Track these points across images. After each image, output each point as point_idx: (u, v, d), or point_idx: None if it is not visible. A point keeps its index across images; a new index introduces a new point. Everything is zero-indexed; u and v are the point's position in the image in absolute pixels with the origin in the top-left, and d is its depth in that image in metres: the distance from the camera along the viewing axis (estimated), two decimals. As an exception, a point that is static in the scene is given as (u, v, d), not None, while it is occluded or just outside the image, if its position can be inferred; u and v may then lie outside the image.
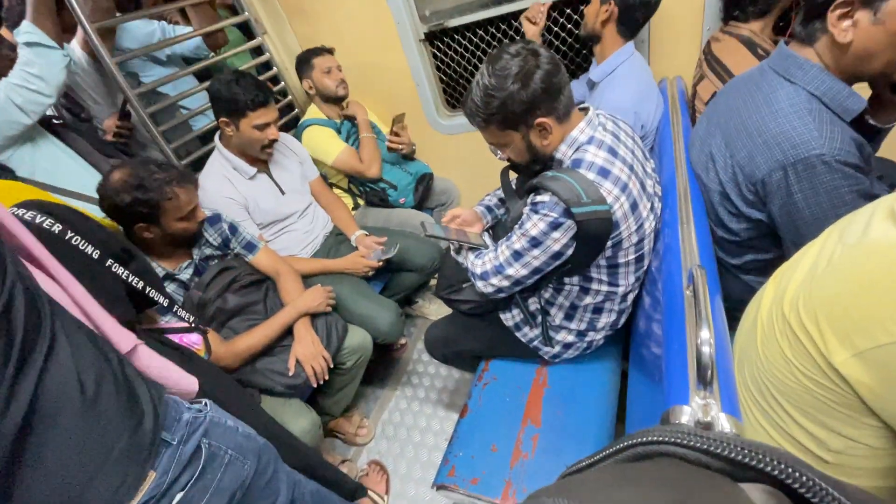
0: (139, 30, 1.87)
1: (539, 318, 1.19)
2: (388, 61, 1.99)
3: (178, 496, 0.66)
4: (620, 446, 0.35)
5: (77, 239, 0.89)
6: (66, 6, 1.37)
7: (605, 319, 1.15)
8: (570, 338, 1.20)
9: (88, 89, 1.71)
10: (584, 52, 1.85)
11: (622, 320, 1.18)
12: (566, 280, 1.09)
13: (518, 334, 1.25)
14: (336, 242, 1.85)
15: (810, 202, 0.84)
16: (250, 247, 1.50)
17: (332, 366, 1.39)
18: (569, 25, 1.77)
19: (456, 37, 1.96)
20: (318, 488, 1.02)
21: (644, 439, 0.33)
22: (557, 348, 1.23)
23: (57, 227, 0.87)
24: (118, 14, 1.62)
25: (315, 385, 1.35)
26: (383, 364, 2.00)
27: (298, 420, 1.31)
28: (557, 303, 1.15)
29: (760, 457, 0.28)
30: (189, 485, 0.67)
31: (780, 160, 0.84)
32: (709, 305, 0.66)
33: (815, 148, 0.81)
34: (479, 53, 1.98)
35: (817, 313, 0.54)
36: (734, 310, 0.89)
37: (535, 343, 1.24)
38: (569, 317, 1.17)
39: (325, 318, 1.47)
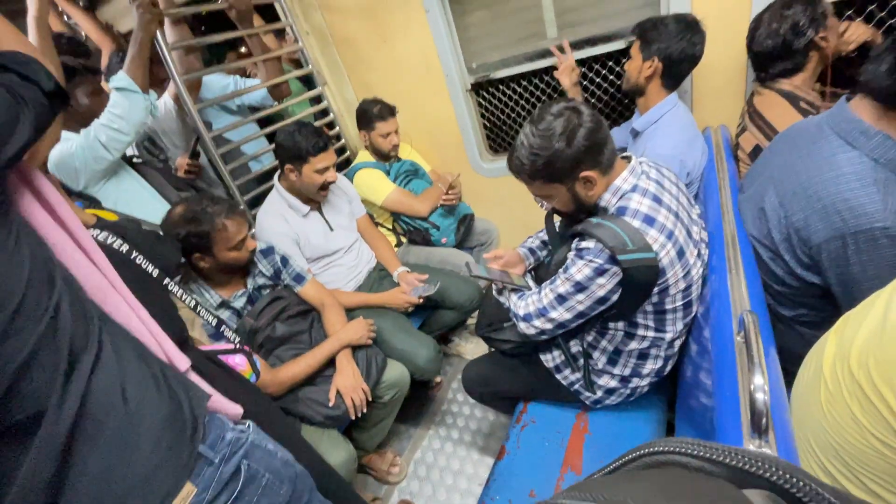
0: (216, 83, 2.11)
1: (581, 361, 1.18)
2: (436, 108, 2.12)
3: None
4: (629, 458, 0.37)
5: (140, 258, 0.98)
6: (159, 61, 1.58)
7: (650, 366, 1.12)
8: (613, 383, 1.17)
9: (172, 134, 1.92)
10: (626, 101, 1.90)
11: (668, 367, 1.14)
12: (610, 324, 1.08)
13: (559, 376, 1.24)
14: (379, 277, 1.92)
15: (869, 274, 0.81)
16: (299, 278, 1.58)
17: (370, 399, 1.41)
18: (610, 77, 1.84)
19: (500, 87, 2.07)
20: None
21: (651, 449, 0.35)
22: (599, 393, 1.20)
23: (124, 248, 0.96)
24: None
25: (354, 417, 1.37)
26: (418, 402, 2.00)
27: (335, 451, 1.32)
28: (601, 346, 1.14)
29: (760, 464, 0.30)
30: None
31: (840, 228, 0.82)
32: (762, 351, 0.65)
33: (878, 220, 0.78)
34: (521, 102, 2.08)
35: (892, 376, 0.52)
36: (788, 363, 0.85)
37: (577, 387, 1.22)
38: (612, 361, 1.15)
39: (365, 351, 1.51)
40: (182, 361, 0.82)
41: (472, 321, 2.29)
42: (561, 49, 1.66)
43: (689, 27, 1.29)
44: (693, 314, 1.06)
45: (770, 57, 1.28)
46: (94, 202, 1.51)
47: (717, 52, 1.48)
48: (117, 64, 1.80)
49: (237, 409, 0.87)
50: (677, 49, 1.31)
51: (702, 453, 0.32)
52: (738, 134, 1.44)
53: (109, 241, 0.94)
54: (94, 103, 1.47)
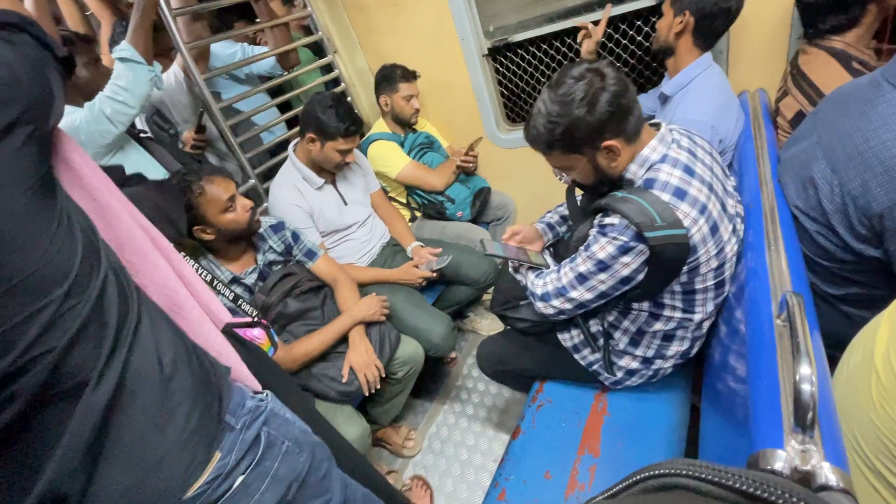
0: (224, 51, 2.04)
1: (601, 342, 1.13)
2: (450, 76, 2.02)
3: (239, 479, 0.68)
4: (633, 480, 0.36)
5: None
6: (164, 30, 1.52)
7: (675, 347, 1.07)
8: (635, 364, 1.12)
9: (181, 107, 1.87)
10: (654, 64, 1.77)
11: (695, 349, 1.09)
12: (634, 304, 1.02)
13: (577, 356, 1.19)
14: (392, 253, 1.88)
15: None
16: (311, 254, 1.55)
17: (384, 375, 1.40)
18: (638, 38, 1.71)
19: (519, 51, 1.95)
20: (368, 493, 1.01)
21: (657, 472, 0.34)
22: (619, 374, 1.15)
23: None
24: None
25: (367, 393, 1.36)
26: (432, 377, 1.99)
27: (350, 427, 1.32)
28: (622, 327, 1.08)
29: (772, 489, 0.28)
30: (249, 469, 0.69)
31: None
32: (808, 337, 0.59)
33: None
34: (541, 67, 1.96)
35: None
36: (828, 346, 0.79)
37: (596, 367, 1.18)
38: (634, 342, 1.09)
39: (378, 328, 1.48)
40: (220, 317, 0.85)
41: (487, 297, 2.25)
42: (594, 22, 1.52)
43: (728, -23, 1.16)
44: (725, 294, 0.99)
45: (822, 9, 1.15)
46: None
47: (758, 6, 1.35)
48: (121, 34, 1.75)
49: (254, 385, 0.88)
50: (711, 2, 1.19)
51: (710, 476, 0.31)
52: (779, 98, 1.32)
53: None
54: (93, 74, 1.43)
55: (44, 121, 0.58)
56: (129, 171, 1.48)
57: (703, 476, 0.31)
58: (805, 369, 0.54)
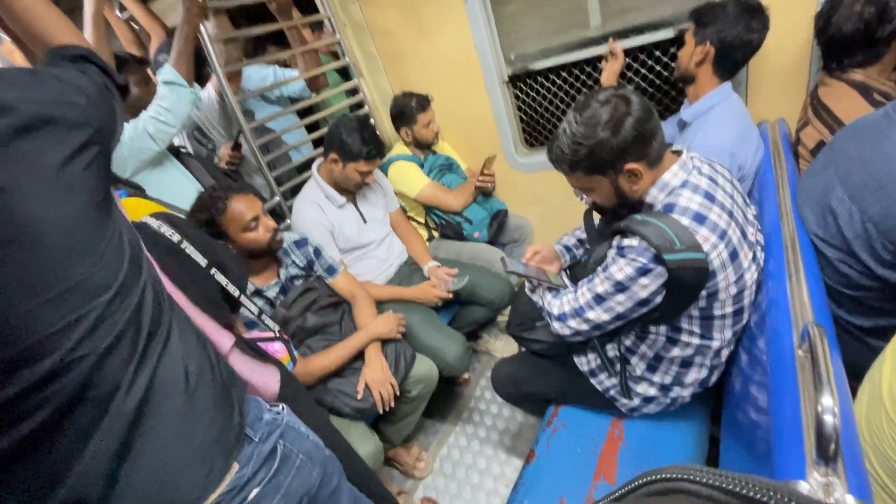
0: (256, 73, 2.14)
1: (618, 366, 1.12)
2: (471, 100, 2.07)
3: (254, 492, 0.68)
4: (636, 484, 0.36)
5: (190, 248, 1.01)
6: (205, 56, 1.62)
7: (694, 375, 1.05)
8: (652, 391, 1.11)
9: (216, 125, 1.96)
10: (673, 93, 1.80)
11: (714, 377, 1.07)
12: (651, 328, 1.02)
13: (593, 381, 1.18)
14: (409, 271, 1.91)
15: None
16: (331, 270, 1.58)
17: (398, 393, 1.40)
18: (657, 67, 1.74)
19: (539, 78, 2.00)
20: None
21: (659, 476, 0.34)
22: (636, 401, 1.14)
23: (176, 237, 0.99)
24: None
25: (381, 411, 1.37)
26: (445, 398, 1.98)
27: (363, 444, 1.32)
28: (640, 351, 1.08)
29: (775, 495, 0.29)
30: (264, 482, 0.70)
31: None
32: (831, 368, 0.58)
33: None
34: (560, 94, 2.00)
35: None
36: (853, 378, 0.77)
37: (612, 393, 1.17)
38: (652, 368, 1.08)
39: (394, 345, 1.50)
40: (226, 341, 0.86)
41: (502, 318, 2.25)
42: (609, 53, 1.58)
43: (750, 11, 1.19)
44: (744, 322, 0.98)
45: (847, 45, 1.16)
46: (138, 189, 1.56)
47: (778, 39, 1.36)
48: (163, 58, 1.86)
49: (273, 391, 0.89)
50: (733, 33, 1.22)
51: (712, 481, 0.31)
52: (800, 129, 1.33)
53: (162, 229, 0.97)
54: (142, 92, 1.52)
55: (109, 142, 0.64)
56: (166, 184, 1.57)
57: (706, 481, 0.31)
58: (827, 400, 0.54)
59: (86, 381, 0.56)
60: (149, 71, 1.72)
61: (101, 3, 1.27)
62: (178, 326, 0.70)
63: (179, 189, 1.59)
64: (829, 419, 0.53)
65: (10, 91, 0.53)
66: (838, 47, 1.18)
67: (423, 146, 2.03)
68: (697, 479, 0.31)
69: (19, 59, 1.76)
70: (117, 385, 0.58)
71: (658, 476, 0.34)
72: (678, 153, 0.97)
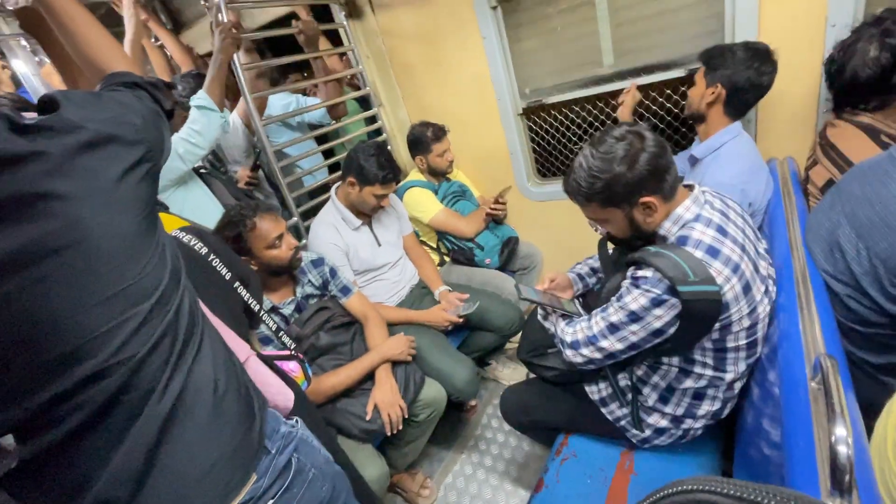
0: (280, 101, 2.24)
1: (629, 396, 1.12)
2: (486, 131, 2.14)
3: (269, 503, 0.70)
4: (654, 498, 0.37)
5: (216, 262, 1.05)
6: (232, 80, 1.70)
7: (706, 407, 1.05)
8: (664, 423, 1.11)
9: (234, 149, 2.04)
10: (683, 129, 1.85)
11: (727, 410, 1.07)
12: (664, 359, 1.03)
13: (604, 410, 1.18)
14: (420, 295, 1.93)
15: None
16: (345, 290, 1.61)
17: (406, 416, 1.40)
18: (667, 105, 1.80)
19: (552, 112, 2.07)
20: None
21: (679, 489, 0.35)
22: (648, 432, 1.13)
23: (204, 250, 1.03)
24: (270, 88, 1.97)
25: (389, 433, 1.36)
26: (451, 424, 1.96)
27: (370, 466, 1.31)
28: (652, 382, 1.08)
29: (793, 502, 0.29)
30: (278, 494, 0.71)
31: None
32: (843, 400, 0.59)
33: None
34: (572, 128, 2.07)
35: None
36: (866, 416, 0.77)
37: (623, 423, 1.16)
38: (664, 399, 1.08)
39: (404, 368, 1.51)
40: (243, 351, 0.90)
41: (510, 346, 2.25)
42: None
43: (759, 56, 1.24)
44: (757, 355, 0.99)
45: (861, 89, 1.17)
46: (162, 207, 1.62)
47: (786, 81, 1.42)
48: (191, 80, 1.96)
49: (287, 405, 0.91)
50: (743, 77, 1.26)
51: (733, 492, 0.31)
52: (809, 167, 1.36)
53: (192, 242, 1.01)
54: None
55: (158, 160, 0.69)
56: (189, 203, 1.62)
57: (727, 492, 0.31)
58: (840, 430, 0.55)
59: (124, 384, 0.58)
60: None
61: (139, 33, 1.36)
62: (209, 336, 0.73)
63: (202, 208, 1.65)
64: (842, 450, 0.53)
65: (80, 111, 0.59)
66: (853, 91, 1.20)
67: (437, 174, 2.09)
68: (718, 490, 0.32)
69: (56, 82, 1.87)
70: (152, 389, 0.61)
71: (678, 489, 0.34)
72: (690, 188, 1.01)
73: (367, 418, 1.36)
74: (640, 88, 1.71)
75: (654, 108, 1.84)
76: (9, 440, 0.55)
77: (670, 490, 0.35)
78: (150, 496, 0.61)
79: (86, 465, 0.58)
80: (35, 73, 2.25)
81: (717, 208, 0.96)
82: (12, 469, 0.55)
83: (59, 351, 0.54)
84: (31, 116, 0.57)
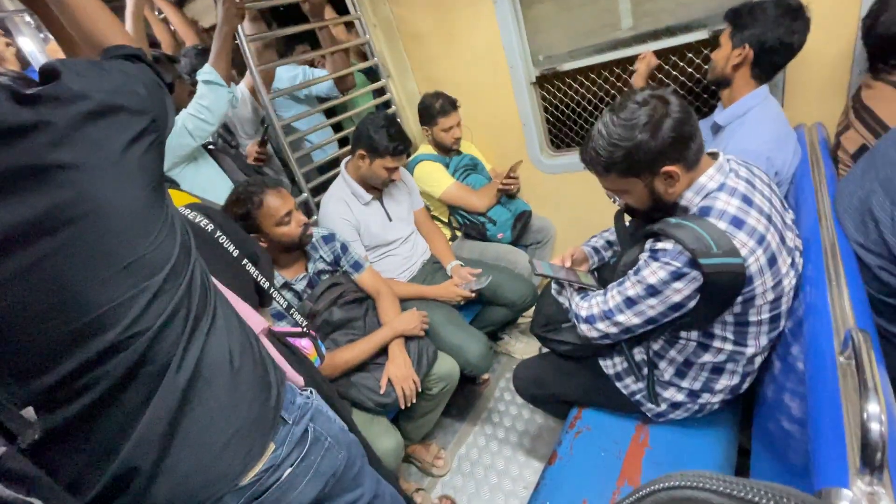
0: (287, 73, 2.19)
1: (645, 371, 1.11)
2: (498, 102, 2.08)
3: (287, 471, 0.71)
4: (643, 493, 0.36)
5: (223, 238, 1.04)
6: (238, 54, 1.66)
7: (725, 382, 1.03)
8: (680, 397, 1.09)
9: (244, 123, 2.01)
10: (705, 95, 1.77)
11: (746, 385, 1.05)
12: (682, 333, 1.00)
13: (619, 384, 1.17)
14: (432, 270, 1.92)
15: None
16: (357, 266, 1.61)
17: (420, 389, 1.41)
18: (689, 70, 1.72)
19: (566, 80, 2.00)
20: (396, 493, 1.02)
21: (667, 484, 0.34)
22: (663, 406, 1.12)
23: (210, 227, 1.02)
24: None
25: (403, 406, 1.38)
26: (465, 397, 1.98)
27: (384, 438, 1.33)
28: (669, 356, 1.06)
29: (785, 500, 0.29)
30: (296, 462, 0.73)
31: None
32: (877, 374, 0.57)
33: None
34: (588, 96, 1.99)
35: None
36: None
37: (638, 397, 1.15)
38: (681, 373, 1.07)
39: (417, 342, 1.51)
40: (259, 324, 0.90)
41: (523, 320, 2.24)
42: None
43: (791, 12, 1.16)
44: (780, 329, 0.96)
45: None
46: (173, 184, 1.61)
47: (819, 41, 1.33)
48: (194, 57, 1.92)
49: (300, 380, 0.93)
50: (773, 36, 1.19)
51: (723, 489, 0.31)
52: (840, 133, 1.29)
53: (198, 219, 1.00)
54: (178, 90, 1.57)
55: (163, 131, 0.67)
56: (199, 180, 1.61)
57: (717, 489, 0.31)
58: (874, 407, 0.52)
59: (141, 356, 0.59)
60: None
61: (140, 5, 1.32)
62: (222, 309, 0.73)
63: (212, 184, 1.63)
64: (875, 427, 0.51)
65: (83, 81, 0.57)
66: (887, 48, 1.14)
67: (441, 149, 2.04)
68: (708, 486, 0.31)
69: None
70: (168, 362, 0.61)
71: (667, 484, 0.33)
72: (714, 156, 0.96)
73: (381, 392, 1.38)
74: (660, 53, 1.63)
75: (674, 73, 1.76)
76: (30, 413, 0.56)
77: (655, 486, 0.34)
78: (173, 466, 0.63)
79: (108, 436, 0.60)
80: (41, 51, 2.23)
81: (742, 177, 0.92)
82: (36, 440, 0.56)
83: (78, 323, 0.54)
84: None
